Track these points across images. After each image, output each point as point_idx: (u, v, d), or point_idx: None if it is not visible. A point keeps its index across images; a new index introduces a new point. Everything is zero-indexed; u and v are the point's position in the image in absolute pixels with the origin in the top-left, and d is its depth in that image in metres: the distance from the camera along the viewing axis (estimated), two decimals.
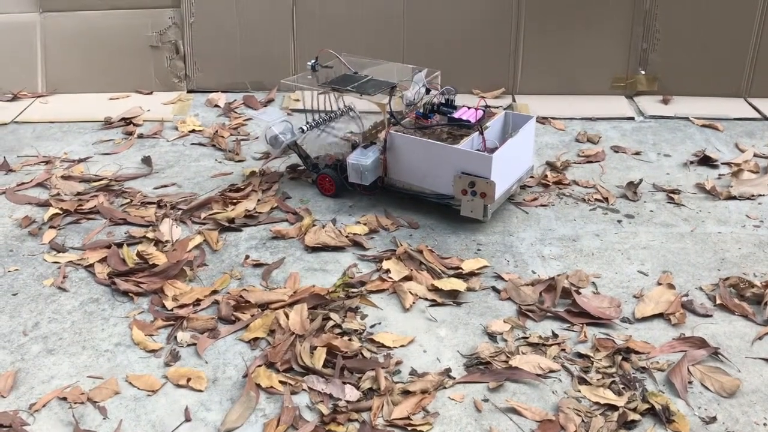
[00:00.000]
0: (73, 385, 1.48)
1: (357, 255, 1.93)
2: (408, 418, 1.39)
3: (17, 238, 2.02)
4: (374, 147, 2.11)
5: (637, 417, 1.38)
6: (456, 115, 2.13)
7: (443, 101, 2.19)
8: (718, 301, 1.72)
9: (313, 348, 1.55)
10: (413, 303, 1.73)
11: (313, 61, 2.21)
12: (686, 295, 1.76)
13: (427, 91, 2.19)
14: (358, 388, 1.45)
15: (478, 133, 2.05)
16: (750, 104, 2.95)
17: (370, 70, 2.24)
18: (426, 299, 1.75)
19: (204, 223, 2.08)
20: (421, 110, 2.15)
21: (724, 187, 2.27)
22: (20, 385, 1.49)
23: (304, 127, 2.18)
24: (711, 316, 1.69)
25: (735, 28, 2.91)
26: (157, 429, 1.38)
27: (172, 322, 1.67)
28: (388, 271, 1.83)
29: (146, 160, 2.45)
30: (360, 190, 2.18)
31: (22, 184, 2.31)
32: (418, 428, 1.37)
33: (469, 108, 2.16)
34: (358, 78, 2.20)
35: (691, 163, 2.46)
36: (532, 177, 2.32)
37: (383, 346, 1.58)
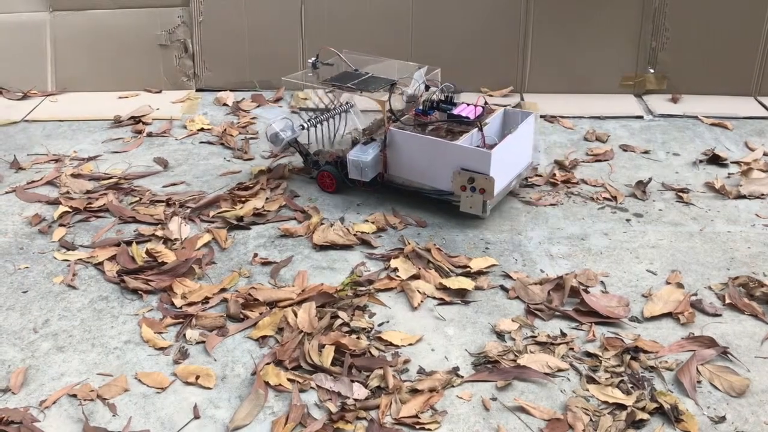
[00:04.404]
0: (82, 382, 1.49)
1: (365, 253, 1.93)
2: (416, 416, 1.39)
3: (27, 236, 2.03)
4: (374, 143, 2.12)
5: (645, 416, 1.38)
6: (455, 111, 2.13)
7: (443, 98, 2.19)
8: (728, 301, 1.72)
9: (322, 346, 1.56)
10: (421, 301, 1.73)
11: (314, 58, 2.22)
12: (695, 294, 1.75)
13: (427, 87, 2.20)
14: (366, 386, 1.46)
15: (477, 129, 2.06)
16: (760, 103, 2.94)
17: (372, 68, 2.25)
18: (434, 298, 1.75)
19: (212, 222, 2.08)
20: (421, 107, 2.16)
21: (733, 186, 2.26)
22: (30, 381, 1.50)
23: (305, 124, 2.19)
24: (720, 315, 1.68)
25: (744, 26, 2.90)
26: (166, 426, 1.39)
27: (181, 320, 1.67)
28: (396, 269, 1.84)
29: (161, 161, 2.45)
30: (360, 187, 2.19)
31: (32, 182, 2.33)
32: (426, 427, 1.37)
33: (468, 105, 2.16)
34: (358, 75, 2.21)
35: (701, 161, 2.45)
36: (540, 176, 2.33)
37: (391, 344, 1.59)
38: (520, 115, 2.19)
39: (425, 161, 2.05)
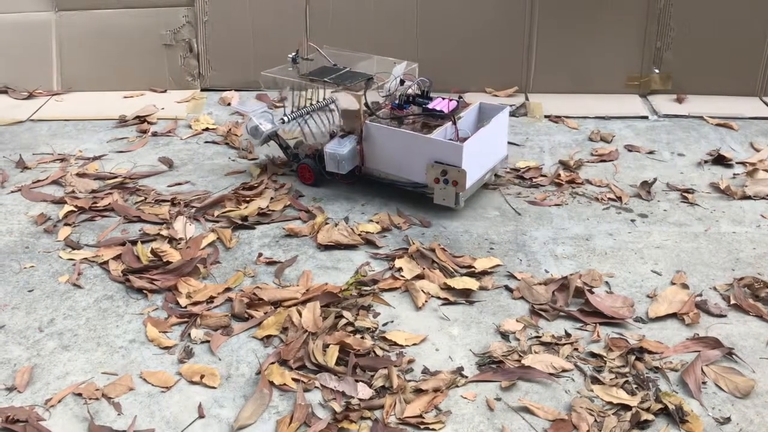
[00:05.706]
0: (88, 381, 1.50)
1: (369, 253, 1.93)
2: (420, 416, 1.39)
3: (33, 235, 2.03)
4: (351, 137, 2.16)
5: (650, 417, 1.38)
6: (430, 105, 2.17)
7: (419, 92, 2.22)
8: (733, 302, 1.72)
9: (326, 346, 1.56)
10: (425, 301, 1.73)
11: (293, 53, 2.25)
12: (700, 295, 1.75)
13: (402, 82, 2.23)
14: (370, 386, 1.46)
15: (451, 123, 2.09)
16: (765, 103, 2.93)
17: (353, 64, 2.27)
18: (438, 298, 1.75)
19: (217, 221, 2.09)
20: (397, 101, 2.19)
21: (738, 186, 2.25)
22: (36, 380, 1.50)
23: (285, 118, 2.22)
24: (725, 316, 1.68)
25: (750, 26, 2.89)
26: (171, 425, 1.39)
27: (185, 319, 1.68)
28: (400, 269, 1.84)
29: (165, 161, 2.46)
30: (338, 179, 2.22)
31: (38, 181, 2.33)
32: (431, 426, 1.37)
33: (443, 99, 2.19)
34: (336, 70, 2.23)
35: (706, 162, 2.44)
36: (544, 176, 2.32)
37: (396, 344, 1.59)
38: (495, 109, 2.22)
39: (400, 154, 2.09)
